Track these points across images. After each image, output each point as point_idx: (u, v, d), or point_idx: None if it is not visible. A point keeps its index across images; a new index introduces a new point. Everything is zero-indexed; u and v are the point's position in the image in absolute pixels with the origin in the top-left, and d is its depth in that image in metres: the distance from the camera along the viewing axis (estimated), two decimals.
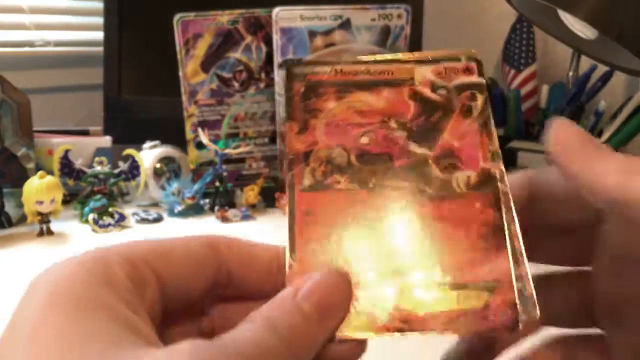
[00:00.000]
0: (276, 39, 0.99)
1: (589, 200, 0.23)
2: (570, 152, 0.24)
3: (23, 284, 0.23)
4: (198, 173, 1.02)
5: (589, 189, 0.23)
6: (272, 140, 1.05)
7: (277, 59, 1.00)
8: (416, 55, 0.30)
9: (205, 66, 1.01)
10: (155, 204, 1.02)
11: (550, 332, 0.29)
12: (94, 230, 0.89)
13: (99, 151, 1.01)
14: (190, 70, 1.01)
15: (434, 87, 0.29)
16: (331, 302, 0.24)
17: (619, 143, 0.99)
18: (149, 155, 1.00)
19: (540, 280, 0.26)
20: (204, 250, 0.25)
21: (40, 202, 0.84)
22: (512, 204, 0.26)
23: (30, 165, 0.93)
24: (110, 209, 0.92)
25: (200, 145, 1.02)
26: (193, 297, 0.25)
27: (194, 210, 0.97)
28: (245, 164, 1.05)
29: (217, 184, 0.99)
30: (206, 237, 0.26)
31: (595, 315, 0.28)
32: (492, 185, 0.27)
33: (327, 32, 0.99)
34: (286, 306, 0.23)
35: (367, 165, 0.28)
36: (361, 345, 0.25)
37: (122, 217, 0.92)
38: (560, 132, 0.25)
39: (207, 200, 1.00)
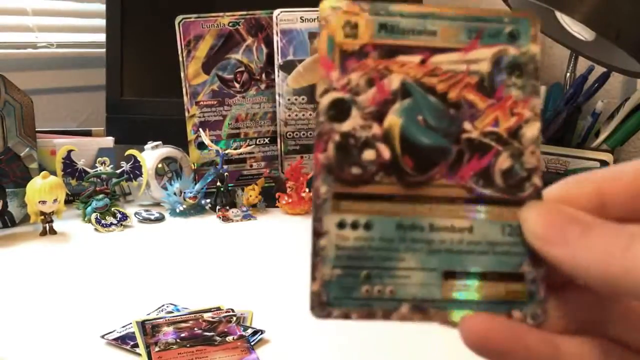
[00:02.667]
0: (277, 40, 1.00)
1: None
2: (550, 238, 0.24)
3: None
4: (199, 173, 1.03)
5: (576, 274, 0.23)
6: (273, 140, 1.05)
7: (278, 60, 1.00)
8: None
9: (207, 67, 1.02)
10: (157, 204, 1.02)
11: None
12: (96, 229, 0.90)
13: (102, 151, 1.02)
14: (191, 71, 1.02)
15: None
16: None
17: (615, 143, 1.00)
18: (151, 155, 1.01)
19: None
20: None
21: (43, 202, 0.85)
22: None
23: (34, 166, 0.94)
24: (112, 209, 0.93)
25: (201, 146, 1.03)
26: None
27: (195, 210, 0.98)
28: (246, 164, 1.06)
29: (218, 184, 1.00)
30: None
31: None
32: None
33: None
34: None
35: None
36: None
37: (124, 217, 0.92)
38: (534, 219, 0.25)
39: (208, 200, 1.01)
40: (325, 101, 0.26)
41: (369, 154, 0.26)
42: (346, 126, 0.26)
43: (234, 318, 0.59)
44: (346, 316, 0.26)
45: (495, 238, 0.26)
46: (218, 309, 0.61)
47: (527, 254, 0.26)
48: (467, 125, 0.26)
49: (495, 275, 0.26)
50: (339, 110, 0.26)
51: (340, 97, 0.26)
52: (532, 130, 0.27)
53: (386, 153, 0.26)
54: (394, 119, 0.26)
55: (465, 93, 0.27)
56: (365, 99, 0.26)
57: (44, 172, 0.86)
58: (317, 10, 1.05)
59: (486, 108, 0.27)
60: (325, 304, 0.27)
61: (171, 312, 0.61)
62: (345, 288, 0.26)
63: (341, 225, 0.26)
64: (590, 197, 0.25)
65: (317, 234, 0.27)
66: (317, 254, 0.27)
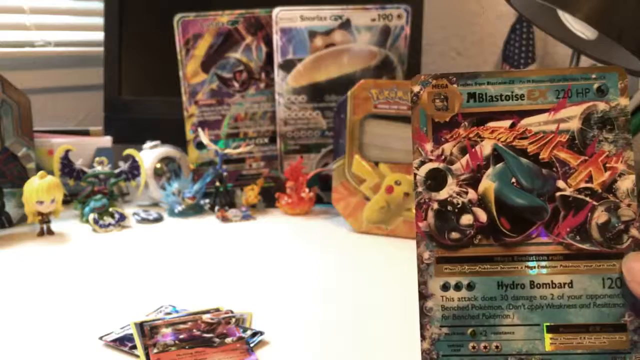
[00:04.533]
0: (276, 39, 0.99)
1: None
2: None
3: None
4: (198, 173, 1.02)
5: None
6: (272, 140, 1.05)
7: (277, 59, 1.00)
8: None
9: (206, 66, 1.01)
10: (155, 204, 1.02)
11: None
12: (94, 230, 0.89)
13: (100, 151, 1.01)
14: (190, 70, 1.01)
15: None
16: None
17: None
18: (149, 155, 1.00)
19: None
20: None
21: (41, 202, 0.84)
22: None
23: (31, 165, 0.93)
24: (110, 209, 0.92)
25: (200, 145, 1.02)
26: None
27: (194, 210, 0.98)
28: (245, 164, 1.05)
29: (217, 184, 0.99)
30: None
31: None
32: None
33: (327, 32, 0.99)
34: None
35: None
36: None
37: (123, 217, 0.92)
38: (637, 268, 0.26)
39: (207, 200, 1.00)
40: (422, 172, 0.29)
41: (466, 219, 0.28)
42: (443, 194, 0.28)
43: (233, 319, 0.58)
44: None
45: (595, 291, 0.27)
46: (217, 310, 0.60)
47: (629, 304, 0.27)
48: (561, 184, 0.28)
49: (598, 327, 0.27)
50: (436, 180, 0.29)
51: (435, 168, 0.29)
52: (626, 184, 0.28)
53: (483, 217, 0.28)
54: (488, 184, 0.28)
55: (557, 152, 0.28)
56: (459, 167, 0.29)
57: (41, 172, 0.85)
58: (317, 9, 1.04)
59: (579, 165, 0.28)
60: None
61: (170, 314, 0.60)
62: (453, 345, 0.28)
63: (445, 287, 0.28)
64: None
65: (424, 296, 0.28)
66: (424, 315, 0.28)
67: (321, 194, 1.01)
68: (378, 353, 0.55)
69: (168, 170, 1.03)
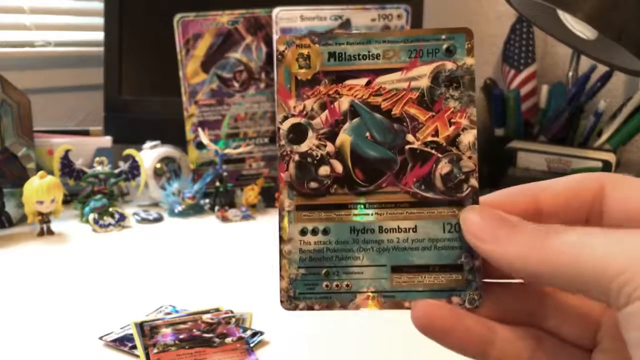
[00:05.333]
0: (276, 39, 0.99)
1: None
2: (483, 237, 0.27)
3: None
4: (198, 173, 1.02)
5: (505, 266, 0.26)
6: (272, 140, 1.05)
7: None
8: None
9: (206, 66, 1.01)
10: (155, 204, 1.02)
11: None
12: (94, 230, 0.89)
13: (100, 151, 1.01)
14: (190, 70, 1.01)
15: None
16: None
17: (618, 143, 0.99)
18: (149, 155, 1.00)
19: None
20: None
21: (41, 202, 0.84)
22: None
23: (31, 165, 0.94)
24: (110, 209, 0.92)
25: (200, 146, 1.02)
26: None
27: (194, 210, 0.98)
28: (245, 164, 1.05)
29: (217, 184, 0.99)
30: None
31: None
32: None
33: None
34: None
35: None
36: None
37: (123, 217, 0.92)
38: (471, 220, 0.28)
39: (207, 200, 1.00)
40: (284, 127, 0.30)
41: (324, 170, 0.30)
42: (304, 147, 0.30)
43: (233, 319, 0.58)
44: (310, 308, 0.30)
45: (436, 235, 0.30)
46: (217, 310, 0.60)
47: (464, 247, 0.29)
48: (410, 137, 0.30)
49: (437, 267, 0.30)
50: (297, 134, 0.30)
51: (297, 122, 0.30)
52: (468, 137, 0.30)
53: (339, 168, 0.30)
54: (344, 137, 0.30)
55: (408, 108, 0.30)
56: (319, 122, 0.30)
57: (41, 172, 0.85)
58: (317, 9, 1.04)
59: (427, 120, 0.30)
60: (292, 298, 0.31)
61: (170, 314, 0.60)
62: (309, 284, 0.30)
63: (303, 232, 0.30)
64: (528, 205, 0.28)
65: (283, 240, 0.30)
66: (283, 257, 0.30)
67: None
68: (379, 353, 0.55)
69: (168, 170, 1.03)
